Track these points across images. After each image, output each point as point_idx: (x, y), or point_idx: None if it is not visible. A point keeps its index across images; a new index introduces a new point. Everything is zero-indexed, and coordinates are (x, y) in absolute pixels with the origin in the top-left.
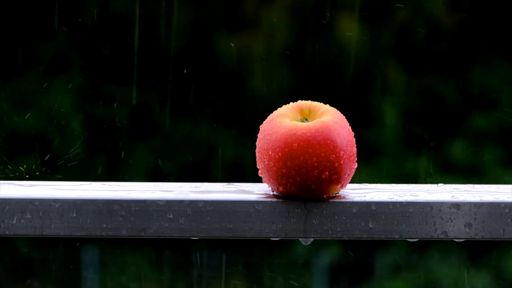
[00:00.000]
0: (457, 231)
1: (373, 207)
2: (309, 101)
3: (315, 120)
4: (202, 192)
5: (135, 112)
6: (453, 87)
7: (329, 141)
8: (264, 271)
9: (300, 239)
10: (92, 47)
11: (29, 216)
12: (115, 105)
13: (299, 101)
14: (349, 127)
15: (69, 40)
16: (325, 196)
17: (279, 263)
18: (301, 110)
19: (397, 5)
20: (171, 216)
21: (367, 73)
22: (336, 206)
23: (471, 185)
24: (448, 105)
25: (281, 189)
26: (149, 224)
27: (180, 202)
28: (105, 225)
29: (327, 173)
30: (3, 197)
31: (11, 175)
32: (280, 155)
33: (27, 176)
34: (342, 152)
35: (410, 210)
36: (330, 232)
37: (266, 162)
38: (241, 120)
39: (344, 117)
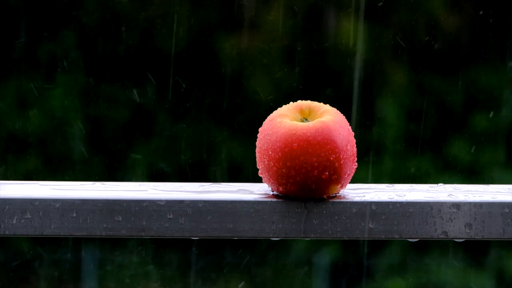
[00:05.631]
0: (457, 231)
1: (373, 207)
2: (309, 101)
3: (315, 120)
4: (202, 192)
5: (136, 112)
6: (454, 86)
7: (329, 141)
8: (264, 271)
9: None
10: (93, 47)
11: (29, 216)
12: (116, 105)
13: (299, 101)
14: (349, 127)
15: (70, 40)
16: (325, 196)
17: (279, 263)
18: (301, 110)
19: (398, 4)
20: (171, 216)
21: (368, 73)
22: (336, 206)
23: (471, 185)
24: (448, 104)
25: (281, 189)
26: (149, 224)
27: (180, 202)
28: (105, 225)
29: (327, 173)
30: (3, 197)
31: (11, 175)
32: (280, 155)
33: (27, 176)
34: (342, 152)
35: (410, 210)
36: (330, 232)
37: (266, 162)
38: (241, 120)
39: (344, 117)
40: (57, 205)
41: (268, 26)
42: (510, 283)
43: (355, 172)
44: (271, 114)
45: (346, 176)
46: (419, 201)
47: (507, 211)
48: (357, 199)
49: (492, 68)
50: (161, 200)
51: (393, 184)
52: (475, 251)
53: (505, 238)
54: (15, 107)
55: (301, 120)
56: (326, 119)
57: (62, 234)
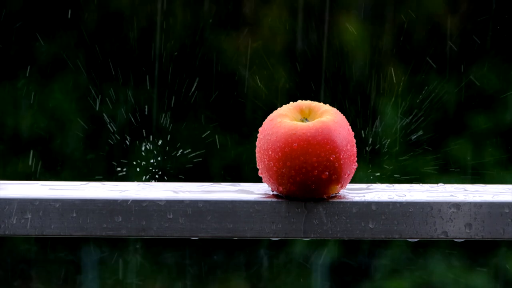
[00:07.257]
0: (457, 231)
1: (373, 207)
2: (309, 101)
3: (315, 120)
4: (202, 192)
5: (135, 112)
6: (453, 86)
7: (329, 141)
8: (264, 271)
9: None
10: (92, 46)
11: (29, 216)
12: (115, 105)
13: (299, 101)
14: (349, 127)
15: (68, 40)
16: (325, 196)
17: (279, 263)
18: (301, 110)
19: (398, 4)
20: (171, 216)
21: (367, 73)
22: (336, 206)
23: (471, 185)
24: (448, 104)
25: (281, 189)
26: (149, 224)
27: (180, 202)
28: (105, 225)
29: (327, 173)
30: (3, 197)
31: (11, 175)
32: (280, 155)
33: (27, 176)
34: (342, 152)
35: (410, 210)
36: (330, 232)
37: (266, 162)
38: (241, 120)
39: (344, 117)
40: (57, 205)
41: (268, 26)
42: (510, 283)
43: (355, 172)
44: (271, 114)
45: (346, 176)
46: (419, 201)
47: (507, 211)
48: (357, 199)
49: (492, 68)
50: (161, 200)
51: (393, 184)
52: (475, 251)
53: (505, 238)
54: (15, 107)
55: (301, 120)
56: (326, 119)
57: (62, 234)
